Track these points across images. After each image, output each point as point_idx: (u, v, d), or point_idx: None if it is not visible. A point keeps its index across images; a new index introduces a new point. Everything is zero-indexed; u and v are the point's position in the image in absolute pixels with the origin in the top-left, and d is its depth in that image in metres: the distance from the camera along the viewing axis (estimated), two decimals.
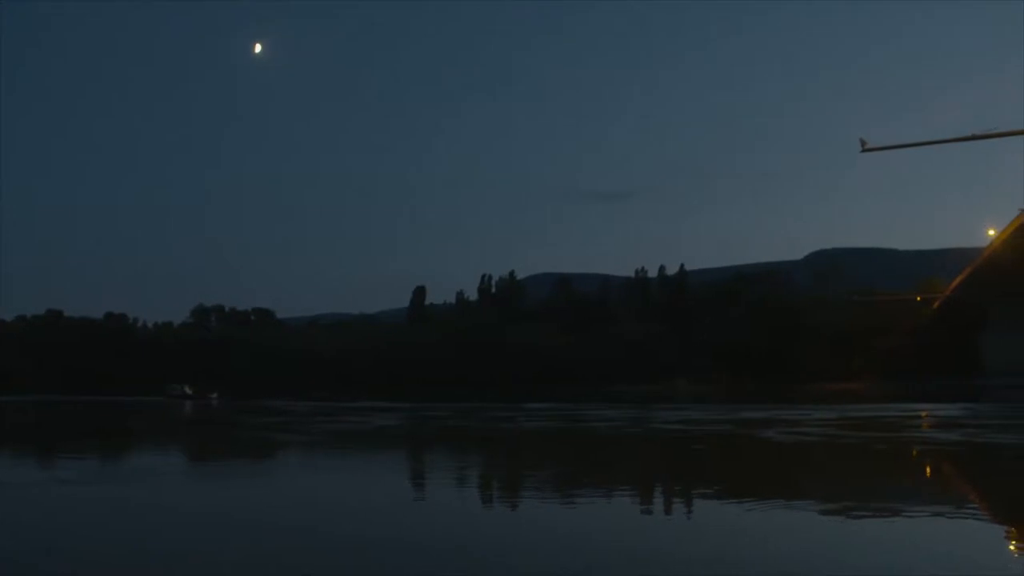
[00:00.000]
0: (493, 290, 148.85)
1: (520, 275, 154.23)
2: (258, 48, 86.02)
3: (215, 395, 73.75)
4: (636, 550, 7.54)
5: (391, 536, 8.22)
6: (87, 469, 16.74)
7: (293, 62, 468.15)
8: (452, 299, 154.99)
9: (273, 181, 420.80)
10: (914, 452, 18.05)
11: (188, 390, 75.20)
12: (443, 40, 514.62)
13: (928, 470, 15.26)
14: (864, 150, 45.89)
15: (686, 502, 11.39)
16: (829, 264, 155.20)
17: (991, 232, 79.39)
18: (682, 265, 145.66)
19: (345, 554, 7.37)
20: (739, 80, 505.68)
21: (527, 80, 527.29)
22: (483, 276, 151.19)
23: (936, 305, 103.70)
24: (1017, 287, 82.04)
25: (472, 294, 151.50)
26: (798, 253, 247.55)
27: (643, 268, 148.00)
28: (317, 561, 7.04)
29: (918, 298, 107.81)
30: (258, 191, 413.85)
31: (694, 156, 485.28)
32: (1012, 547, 7.78)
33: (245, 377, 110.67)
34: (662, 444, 21.10)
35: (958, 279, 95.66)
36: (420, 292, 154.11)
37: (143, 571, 6.95)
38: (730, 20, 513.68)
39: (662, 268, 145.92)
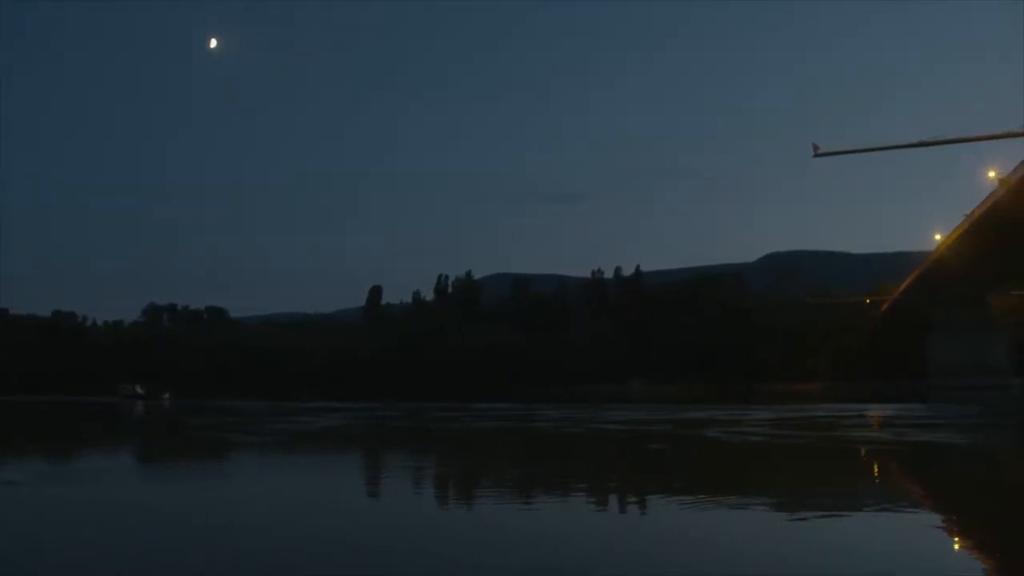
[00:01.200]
0: (450, 290, 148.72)
1: (477, 275, 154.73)
2: (213, 43, 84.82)
3: (167, 395, 72.80)
4: (522, 545, 7.79)
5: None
6: (35, 470, 16.49)
7: (248, 62, 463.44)
8: (408, 299, 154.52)
9: (230, 180, 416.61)
10: (831, 449, 18.54)
11: (140, 390, 74.11)
12: (399, 40, 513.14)
13: (835, 467, 15.57)
14: (817, 155, 46.80)
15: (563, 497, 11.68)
16: (783, 266, 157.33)
17: (938, 237, 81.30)
18: (638, 266, 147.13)
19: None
20: (696, 82, 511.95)
21: (484, 80, 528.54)
22: (440, 276, 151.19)
23: (885, 307, 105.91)
24: (961, 291, 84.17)
25: (428, 294, 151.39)
26: (752, 255, 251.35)
27: (599, 269, 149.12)
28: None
29: (868, 300, 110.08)
30: (214, 190, 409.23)
31: (651, 158, 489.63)
32: (896, 540, 7.93)
33: (199, 376, 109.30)
34: (590, 443, 21.53)
35: (906, 283, 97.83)
36: (376, 292, 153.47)
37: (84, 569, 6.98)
38: (685, 21, 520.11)
39: (618, 269, 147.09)
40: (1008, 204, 55.47)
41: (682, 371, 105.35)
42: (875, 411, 34.00)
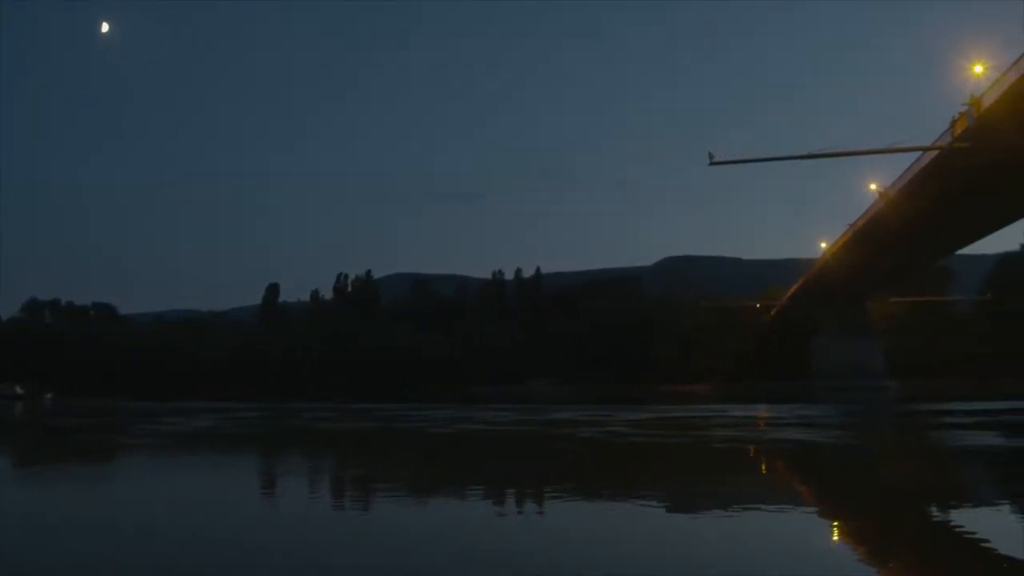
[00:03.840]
0: (349, 289, 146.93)
1: (377, 275, 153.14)
2: (105, 27, 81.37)
3: (50, 395, 69.80)
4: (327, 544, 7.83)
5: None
6: None
7: (147, 62, 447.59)
8: (306, 297, 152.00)
9: (125, 178, 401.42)
10: (678, 447, 19.34)
11: (20, 390, 70.86)
12: (301, 40, 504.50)
13: (678, 464, 16.22)
14: (712, 163, 48.13)
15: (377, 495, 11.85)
16: (678, 270, 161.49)
17: (823, 245, 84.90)
18: (538, 268, 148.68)
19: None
20: (598, 86, 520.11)
21: (385, 80, 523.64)
22: (339, 275, 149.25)
23: (773, 312, 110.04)
24: (844, 297, 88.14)
25: (327, 293, 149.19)
26: (649, 259, 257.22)
27: (500, 271, 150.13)
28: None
29: (758, 305, 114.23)
30: (107, 188, 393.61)
31: (552, 160, 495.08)
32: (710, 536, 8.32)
33: (84, 375, 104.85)
34: (444, 443, 21.98)
35: (793, 288, 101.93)
36: (273, 290, 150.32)
37: None
38: (588, 24, 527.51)
39: (518, 271, 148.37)
40: (887, 215, 58.43)
41: (581, 372, 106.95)
42: (738, 411, 35.55)
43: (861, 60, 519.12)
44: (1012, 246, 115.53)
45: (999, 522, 8.80)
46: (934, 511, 9.89)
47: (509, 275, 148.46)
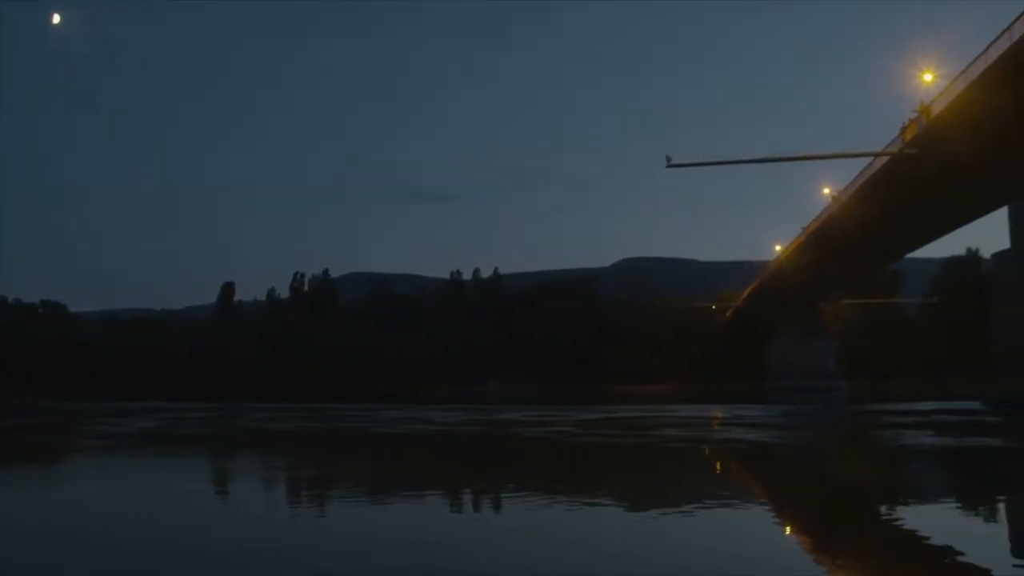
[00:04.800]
0: (306, 288, 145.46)
1: (335, 274, 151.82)
2: (56, 18, 79.74)
3: None
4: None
5: None
6: None
7: (107, 60, 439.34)
8: (263, 296, 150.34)
9: (73, 175, 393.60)
10: (621, 446, 19.63)
11: None
12: (264, 39, 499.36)
13: (608, 462, 16.49)
14: (669, 165, 48.54)
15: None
16: (635, 271, 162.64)
17: (777, 248, 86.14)
18: (496, 268, 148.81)
19: None
20: (559, 86, 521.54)
21: (345, 80, 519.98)
22: (296, 274, 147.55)
23: (729, 314, 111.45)
24: (797, 299, 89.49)
25: (284, 292, 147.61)
26: (606, 260, 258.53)
27: (458, 271, 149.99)
28: None
29: (713, 307, 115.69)
30: (62, 187, 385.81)
31: (511, 161, 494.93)
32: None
33: (31, 374, 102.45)
34: (390, 442, 22.09)
35: (748, 290, 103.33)
36: (228, 288, 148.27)
37: None
38: (550, 25, 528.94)
39: (477, 271, 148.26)
40: (839, 219, 59.49)
41: (539, 372, 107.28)
42: (685, 411, 36.29)
43: (821, 63, 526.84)
44: (959, 250, 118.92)
45: (925, 514, 9.21)
46: (856, 505, 10.22)
47: (468, 275, 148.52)
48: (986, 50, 34.61)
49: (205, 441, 23.25)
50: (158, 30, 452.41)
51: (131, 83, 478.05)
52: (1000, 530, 9.07)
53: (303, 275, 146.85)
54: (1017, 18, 32.26)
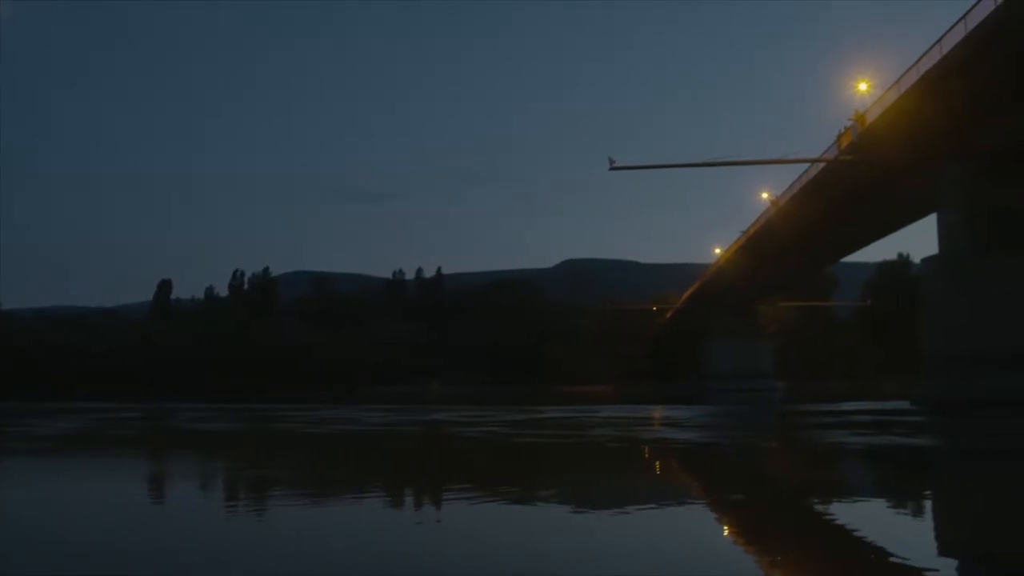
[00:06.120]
0: (246, 286, 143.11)
1: (276, 272, 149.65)
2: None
3: None
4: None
5: None
6: None
7: (50, 50, 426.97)
8: (201, 295, 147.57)
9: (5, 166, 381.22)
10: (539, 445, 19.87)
11: None
12: (204, 34, 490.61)
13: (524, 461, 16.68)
14: (612, 168, 48.97)
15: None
16: (577, 273, 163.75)
17: (717, 251, 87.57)
18: (439, 268, 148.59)
19: None
20: (501, 87, 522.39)
21: (288, 79, 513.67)
22: (235, 272, 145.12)
23: (669, 315, 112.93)
24: (736, 301, 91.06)
25: (223, 290, 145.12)
26: (549, 261, 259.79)
27: (400, 270, 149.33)
28: None
29: (654, 308, 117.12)
30: None
31: (454, 161, 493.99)
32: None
33: None
34: (316, 442, 22.07)
35: (688, 292, 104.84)
36: (165, 286, 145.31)
37: None
38: (492, 24, 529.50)
39: (419, 270, 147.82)
40: (777, 223, 60.75)
41: (481, 373, 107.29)
42: (610, 411, 36.71)
43: (762, 67, 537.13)
44: (891, 255, 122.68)
45: (841, 510, 9.53)
46: (783, 501, 10.51)
47: (410, 275, 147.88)
48: (917, 62, 35.66)
49: (126, 442, 22.75)
50: (103, 28, 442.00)
51: (67, 71, 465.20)
52: (926, 524, 9.40)
53: (243, 273, 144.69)
54: (946, 32, 33.30)
